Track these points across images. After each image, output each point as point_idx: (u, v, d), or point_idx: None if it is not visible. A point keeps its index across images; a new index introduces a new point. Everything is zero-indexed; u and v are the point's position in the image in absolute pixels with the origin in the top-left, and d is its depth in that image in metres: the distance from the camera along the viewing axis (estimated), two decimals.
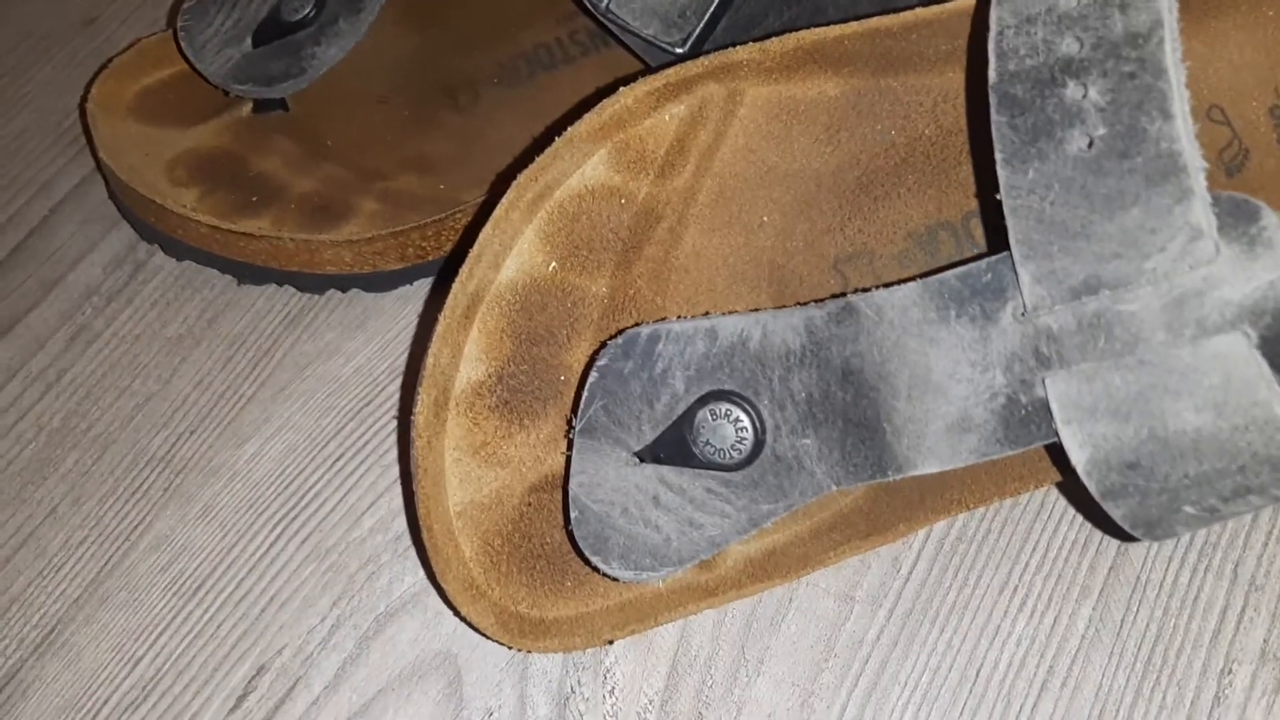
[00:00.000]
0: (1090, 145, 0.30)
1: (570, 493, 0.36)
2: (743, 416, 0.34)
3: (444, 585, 0.37)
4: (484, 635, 0.38)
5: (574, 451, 0.36)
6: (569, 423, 0.36)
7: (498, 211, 0.37)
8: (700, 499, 0.35)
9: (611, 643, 0.40)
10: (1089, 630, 0.39)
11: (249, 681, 0.41)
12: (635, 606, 0.38)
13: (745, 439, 0.35)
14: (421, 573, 0.43)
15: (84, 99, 0.53)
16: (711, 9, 0.43)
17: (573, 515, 0.36)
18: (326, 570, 0.43)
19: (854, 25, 0.38)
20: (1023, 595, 0.40)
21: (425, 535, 0.37)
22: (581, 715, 0.39)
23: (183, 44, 0.51)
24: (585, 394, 0.36)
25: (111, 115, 0.52)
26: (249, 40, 0.49)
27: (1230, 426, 0.29)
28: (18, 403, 0.49)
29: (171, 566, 0.44)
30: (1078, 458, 0.31)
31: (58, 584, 0.44)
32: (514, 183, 0.37)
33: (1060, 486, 0.42)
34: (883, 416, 0.33)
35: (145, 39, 0.54)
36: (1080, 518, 0.41)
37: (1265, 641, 0.38)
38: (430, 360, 0.37)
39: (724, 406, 0.35)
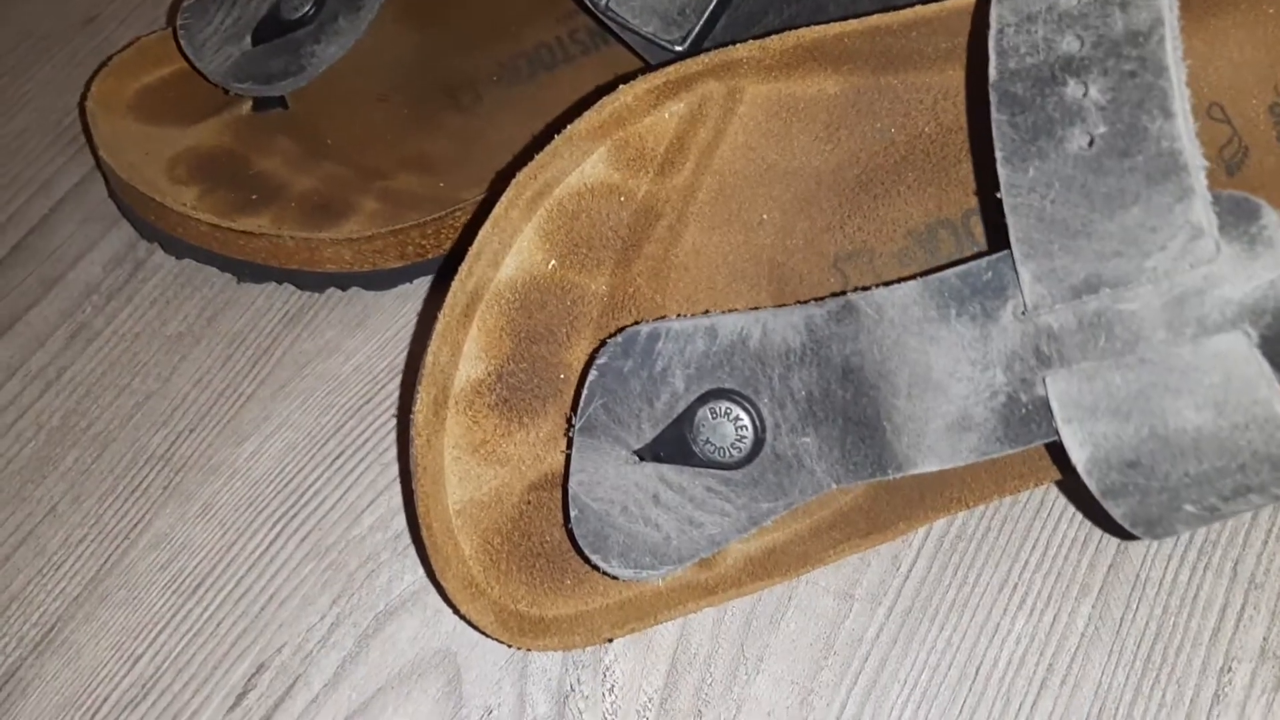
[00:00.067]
0: (1091, 144, 0.30)
1: (570, 491, 0.36)
2: (743, 415, 0.34)
3: (443, 583, 0.37)
4: (483, 633, 0.38)
5: (574, 450, 0.36)
6: (569, 421, 0.36)
7: (497, 209, 0.37)
8: (700, 497, 0.35)
9: (611, 641, 0.40)
10: (1089, 628, 0.39)
11: (248, 679, 0.41)
12: (635, 605, 0.38)
13: (745, 437, 0.35)
14: (421, 571, 0.43)
15: (84, 97, 0.53)
16: (711, 7, 0.42)
17: (572, 513, 0.36)
18: (326, 568, 0.43)
19: (854, 23, 0.38)
20: (1022, 593, 0.40)
21: (425, 533, 0.37)
22: (581, 713, 0.39)
23: (182, 42, 0.51)
24: (585, 392, 0.36)
25: (111, 113, 0.52)
26: (248, 38, 0.49)
27: (1230, 425, 0.29)
28: (17, 400, 0.49)
29: (171, 565, 0.44)
30: (1078, 456, 0.30)
31: (57, 582, 0.44)
32: (514, 181, 0.37)
33: (1060, 484, 0.42)
34: (883, 415, 0.33)
35: (145, 37, 0.54)
36: (1080, 516, 0.41)
37: (1265, 639, 0.38)
38: (430, 358, 0.37)
39: (724, 405, 0.34)
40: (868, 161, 0.39)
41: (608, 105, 0.37)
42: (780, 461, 0.35)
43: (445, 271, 0.50)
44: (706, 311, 0.38)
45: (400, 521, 0.44)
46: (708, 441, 0.35)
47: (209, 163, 0.50)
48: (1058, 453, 0.33)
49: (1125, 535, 0.40)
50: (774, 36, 0.38)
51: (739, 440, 0.35)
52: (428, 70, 0.53)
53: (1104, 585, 0.40)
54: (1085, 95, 0.31)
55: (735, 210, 0.39)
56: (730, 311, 0.35)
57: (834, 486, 0.35)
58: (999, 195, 0.31)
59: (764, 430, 0.35)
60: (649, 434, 0.35)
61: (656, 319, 0.36)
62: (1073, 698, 0.38)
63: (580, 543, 0.35)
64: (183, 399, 0.48)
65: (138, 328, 0.51)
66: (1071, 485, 0.41)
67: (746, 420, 0.34)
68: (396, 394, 0.48)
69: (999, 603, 0.40)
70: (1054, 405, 0.30)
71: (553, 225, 0.38)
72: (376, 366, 0.48)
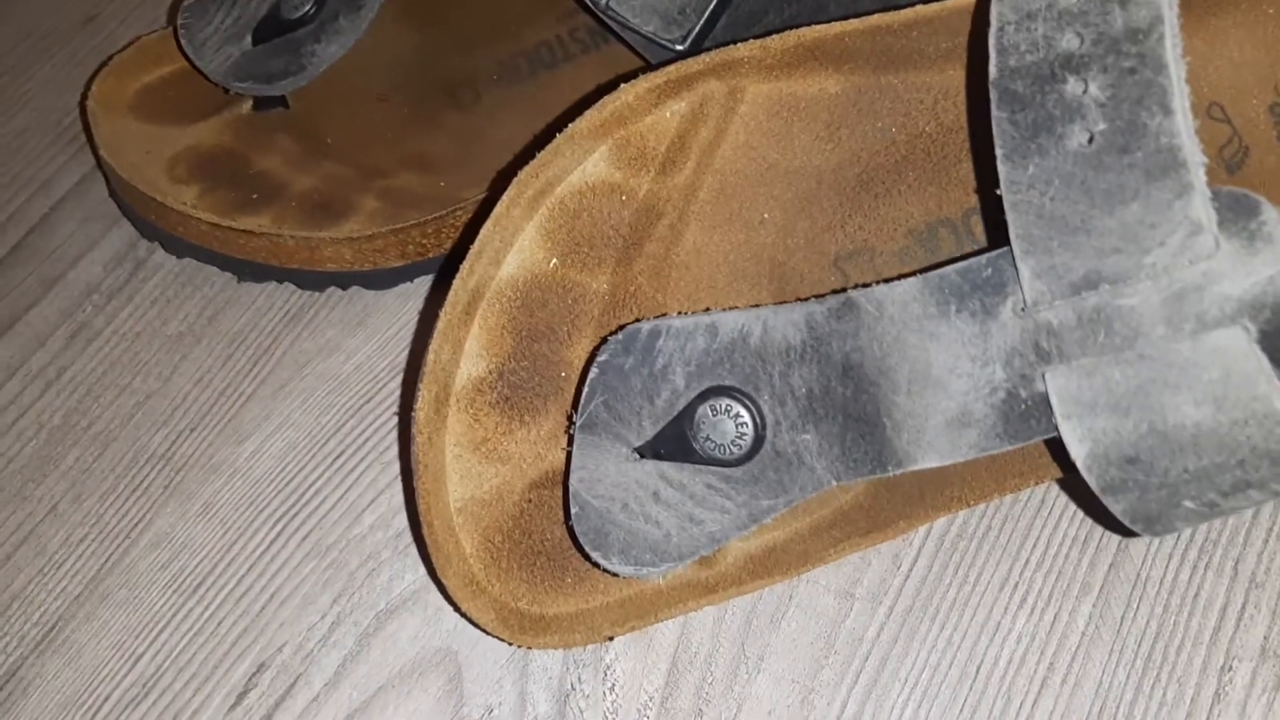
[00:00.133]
0: (1090, 140, 0.30)
1: (570, 488, 0.36)
2: (743, 412, 0.34)
3: (444, 581, 0.37)
4: (484, 631, 0.38)
5: (574, 447, 0.36)
6: (569, 419, 0.36)
7: (499, 208, 0.37)
8: (700, 495, 0.35)
9: (612, 639, 0.40)
10: (1089, 627, 0.39)
11: (249, 679, 0.41)
12: (635, 603, 0.38)
13: (745, 434, 0.35)
14: (422, 570, 0.43)
15: (84, 97, 0.53)
16: (711, 6, 0.43)
17: (573, 511, 0.36)
18: (327, 567, 0.43)
19: (855, 22, 0.38)
20: (1023, 592, 0.40)
21: (426, 531, 0.37)
22: (582, 712, 0.39)
23: (183, 41, 0.51)
24: (586, 390, 0.36)
25: (112, 113, 0.52)
26: (249, 38, 0.49)
27: (1230, 421, 0.29)
28: (18, 400, 0.49)
29: (172, 564, 0.44)
30: (1077, 452, 0.31)
31: (58, 581, 0.44)
32: (515, 179, 0.37)
33: (1061, 483, 0.42)
34: (883, 411, 0.33)
35: (145, 37, 0.54)
36: (1081, 514, 0.41)
37: (1265, 639, 0.38)
38: (431, 356, 0.37)
39: (724, 402, 0.35)
40: (868, 161, 0.39)
41: (609, 104, 0.37)
42: (780, 459, 0.35)
43: (446, 270, 0.50)
44: (707, 310, 0.38)
45: (401, 520, 0.44)
46: (708, 439, 0.35)
47: (209, 162, 0.50)
48: (1058, 450, 0.33)
49: (1126, 533, 0.40)
50: (775, 36, 0.38)
51: (739, 437, 0.35)
52: (428, 69, 0.53)
53: (1105, 584, 0.40)
54: (1085, 92, 0.31)
55: (736, 209, 0.39)
56: (731, 309, 0.35)
57: (834, 483, 0.35)
58: (999, 192, 0.31)
59: (764, 427, 0.35)
60: (649, 431, 0.35)
61: (657, 317, 0.36)
62: (1074, 697, 0.38)
63: (581, 540, 0.35)
64: (183, 398, 0.49)
65: (138, 327, 0.51)
66: (1072, 482, 0.41)
67: (747, 417, 0.34)
68: (397, 393, 0.48)
69: (1000, 601, 0.40)
70: (1053, 401, 0.30)
71: (554, 224, 0.38)
72: (377, 365, 0.48)
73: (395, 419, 0.47)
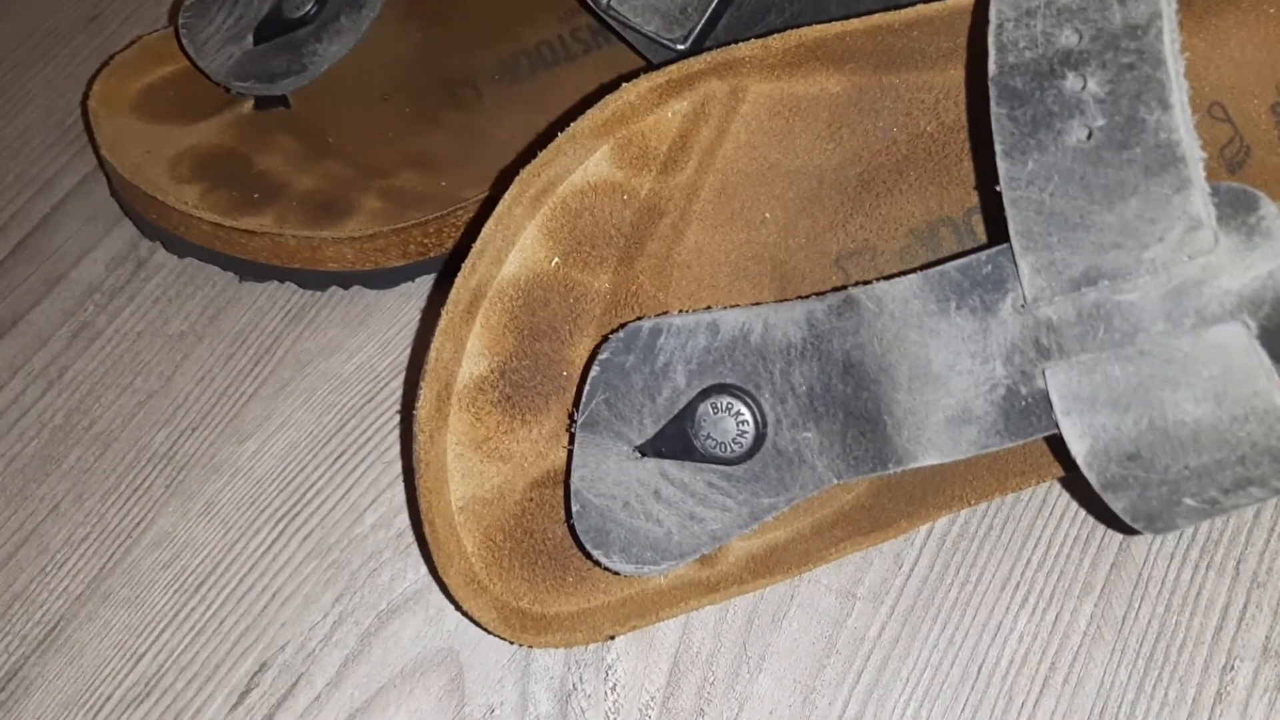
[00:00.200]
0: (1089, 136, 0.30)
1: (572, 486, 0.36)
2: (744, 410, 0.34)
3: (446, 580, 0.37)
4: (486, 630, 0.38)
5: (576, 446, 0.36)
6: (571, 417, 0.36)
7: (500, 207, 0.37)
8: (701, 493, 0.35)
9: (613, 638, 0.40)
10: (1091, 627, 0.39)
11: (251, 678, 0.41)
12: (637, 602, 0.38)
13: (746, 432, 0.35)
14: (424, 569, 0.43)
15: (86, 96, 0.53)
16: (713, 6, 0.43)
17: (574, 509, 0.36)
18: (328, 567, 0.43)
19: (856, 22, 0.38)
20: (1025, 592, 0.40)
21: (427, 530, 0.37)
22: (583, 712, 0.39)
23: (184, 41, 0.51)
24: (587, 388, 0.36)
25: (114, 113, 0.52)
26: (250, 37, 0.50)
27: (1230, 417, 0.29)
28: (20, 400, 0.49)
29: (174, 563, 0.44)
30: (1078, 449, 0.30)
31: (60, 581, 0.44)
32: (517, 178, 0.37)
33: (1062, 482, 0.42)
34: (883, 409, 0.33)
35: (147, 36, 0.54)
36: (1082, 514, 0.41)
37: (1267, 638, 0.38)
38: (433, 355, 0.37)
39: (725, 400, 0.35)
40: (870, 160, 0.39)
41: (611, 104, 0.37)
42: (781, 457, 0.35)
43: (448, 270, 0.50)
44: (709, 309, 0.38)
45: (403, 520, 0.44)
46: (709, 437, 0.35)
47: (211, 162, 0.50)
48: (1059, 447, 0.33)
49: (1128, 531, 0.40)
50: (776, 35, 0.38)
51: (740, 435, 0.35)
52: (429, 69, 0.53)
53: (1106, 584, 0.40)
54: (1084, 88, 0.31)
55: (738, 209, 0.39)
56: (732, 307, 0.35)
57: (835, 481, 0.35)
58: (999, 189, 0.31)
59: (765, 425, 0.35)
60: (651, 429, 0.35)
61: (659, 315, 0.36)
62: (1075, 696, 0.38)
63: (582, 538, 0.35)
64: (185, 398, 0.49)
65: (140, 327, 0.51)
66: (1074, 481, 0.41)
67: (748, 415, 0.34)
68: (399, 392, 0.48)
69: (1001, 601, 0.40)
70: (1053, 397, 0.30)
71: (556, 223, 0.38)
72: (379, 365, 0.48)
73: (397, 418, 0.47)
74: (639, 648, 0.40)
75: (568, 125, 0.38)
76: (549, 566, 0.38)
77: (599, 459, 0.36)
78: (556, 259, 0.38)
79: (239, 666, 0.42)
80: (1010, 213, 0.31)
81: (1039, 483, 0.39)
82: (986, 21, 0.33)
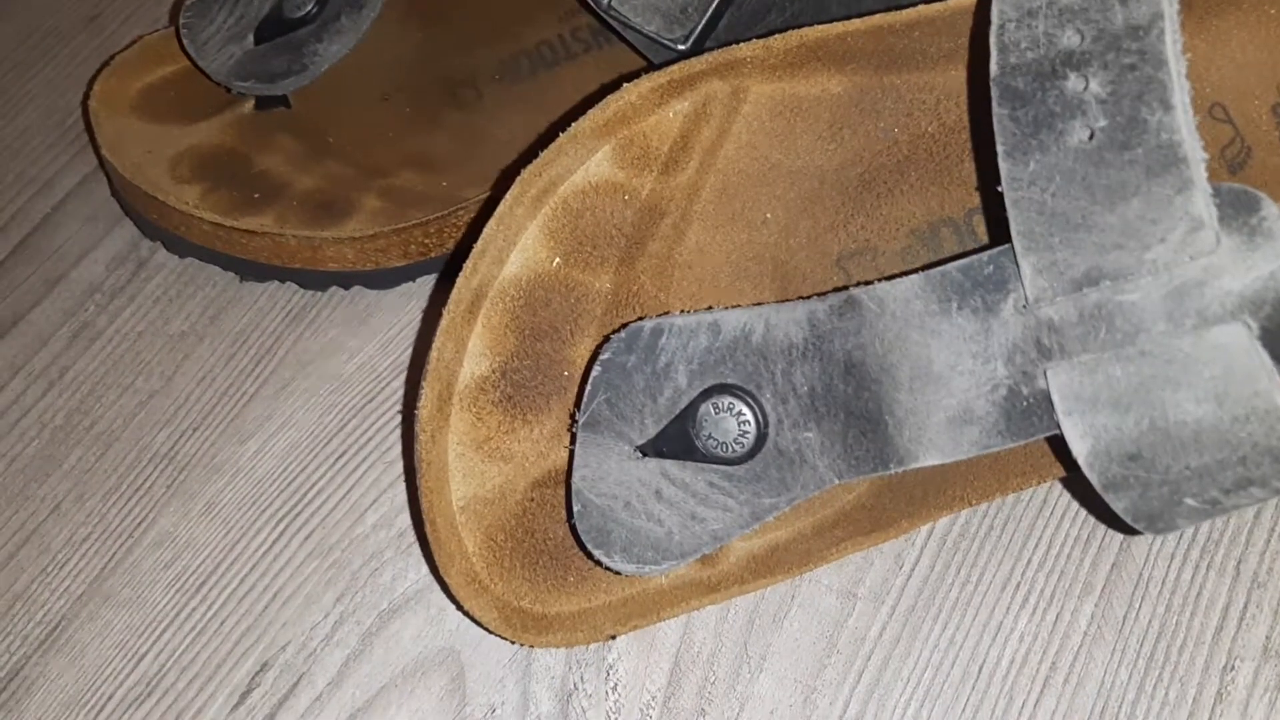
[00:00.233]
0: (1091, 137, 0.30)
1: (573, 486, 0.36)
2: (745, 410, 0.34)
3: (447, 580, 0.37)
4: (487, 630, 0.38)
5: (577, 445, 0.36)
6: (572, 417, 0.36)
7: (502, 207, 0.37)
8: (703, 493, 0.35)
9: (614, 638, 0.40)
10: (1091, 627, 0.39)
11: (252, 678, 0.41)
12: (638, 602, 0.38)
13: (748, 432, 0.35)
14: (425, 569, 0.43)
15: (86, 96, 0.53)
16: (714, 5, 0.43)
17: (575, 509, 0.36)
18: (330, 567, 0.43)
19: (857, 22, 0.38)
20: (1025, 592, 0.40)
21: (428, 530, 0.37)
22: (584, 712, 0.39)
23: (185, 41, 0.51)
24: (589, 388, 0.36)
25: (114, 112, 0.52)
26: (251, 37, 0.50)
27: (1231, 417, 0.29)
28: (20, 400, 0.49)
29: (175, 563, 0.44)
30: (1079, 449, 0.31)
31: (61, 581, 0.44)
32: (518, 178, 0.37)
33: (1063, 482, 0.42)
34: (885, 409, 0.33)
35: (148, 36, 0.54)
36: (1083, 514, 0.41)
37: (1268, 638, 0.38)
38: (434, 355, 0.37)
39: (726, 400, 0.35)
40: (871, 161, 0.39)
41: (612, 104, 0.37)
42: (783, 457, 0.35)
43: (449, 270, 0.50)
44: (710, 309, 0.38)
45: (404, 520, 0.44)
46: (710, 437, 0.35)
47: (211, 162, 0.50)
48: (1060, 448, 0.33)
49: (1129, 531, 0.40)
50: (777, 36, 0.38)
51: (741, 435, 0.35)
52: (430, 69, 0.53)
53: (1107, 584, 0.40)
54: (1085, 89, 0.31)
55: (739, 209, 0.39)
56: (734, 308, 0.35)
57: (836, 481, 0.35)
58: (1000, 189, 0.31)
59: (766, 425, 0.35)
60: (652, 429, 0.35)
61: (660, 315, 0.36)
62: (1076, 696, 0.38)
63: (583, 538, 0.36)
64: (186, 398, 0.49)
65: (140, 327, 0.51)
66: (1075, 481, 0.41)
67: (749, 415, 0.35)
68: (400, 392, 0.48)
69: (1002, 601, 0.40)
70: (1055, 398, 0.30)
71: (557, 223, 0.38)
72: (379, 365, 0.48)
73: (398, 418, 0.47)
74: (640, 647, 0.40)
75: (569, 125, 0.38)
76: (550, 566, 0.38)
77: (600, 459, 0.36)
78: (558, 259, 0.38)
79: (240, 666, 0.42)
80: (1012, 213, 0.31)
81: (1040, 483, 0.39)
82: (988, 22, 0.33)
